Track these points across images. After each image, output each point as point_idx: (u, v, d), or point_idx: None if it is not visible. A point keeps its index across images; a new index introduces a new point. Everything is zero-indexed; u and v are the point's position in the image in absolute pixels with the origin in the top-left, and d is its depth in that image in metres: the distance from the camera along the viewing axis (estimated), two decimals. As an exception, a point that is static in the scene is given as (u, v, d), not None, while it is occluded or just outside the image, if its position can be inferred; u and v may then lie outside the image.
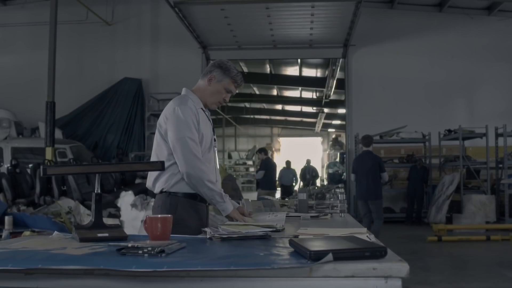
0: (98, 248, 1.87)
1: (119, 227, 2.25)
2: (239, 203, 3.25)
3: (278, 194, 14.14)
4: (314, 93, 25.28)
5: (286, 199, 4.90)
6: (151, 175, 2.96)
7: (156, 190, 2.94)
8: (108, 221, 5.87)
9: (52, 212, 7.50)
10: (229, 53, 15.98)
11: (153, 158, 2.95)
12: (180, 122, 2.84)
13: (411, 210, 12.72)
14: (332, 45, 14.96)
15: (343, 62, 15.71)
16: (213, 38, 14.69)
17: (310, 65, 20.54)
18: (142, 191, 9.63)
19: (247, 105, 29.88)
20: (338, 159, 23.29)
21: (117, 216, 7.45)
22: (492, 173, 12.45)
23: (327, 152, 32.81)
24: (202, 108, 3.01)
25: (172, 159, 2.86)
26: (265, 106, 31.06)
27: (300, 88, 24.80)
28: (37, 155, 12.35)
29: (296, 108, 30.35)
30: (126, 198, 7.34)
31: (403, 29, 14.95)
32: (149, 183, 3.00)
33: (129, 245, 1.77)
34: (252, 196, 12.83)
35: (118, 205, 7.50)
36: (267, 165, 11.88)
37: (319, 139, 37.26)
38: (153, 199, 7.65)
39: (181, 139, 2.82)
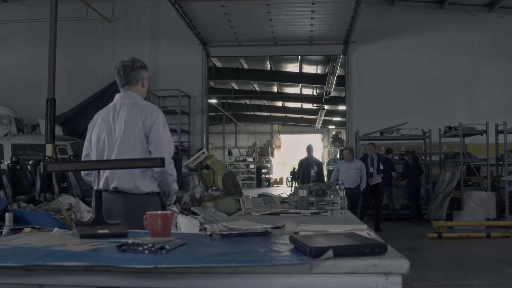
0: (98, 245, 1.87)
1: (119, 224, 2.26)
2: (239, 200, 3.32)
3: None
4: (315, 90, 25.29)
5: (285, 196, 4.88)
6: (130, 176, 3.07)
7: (143, 191, 3.09)
8: (108, 217, 5.86)
9: (52, 209, 7.49)
10: (229, 50, 15.99)
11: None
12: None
13: (414, 207, 12.61)
14: (332, 42, 14.95)
15: (343, 59, 15.69)
16: (213, 35, 14.68)
17: (311, 62, 20.54)
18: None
19: (248, 102, 29.89)
20: (338, 156, 23.30)
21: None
22: (492, 170, 12.45)
23: (327, 149, 32.84)
24: None
25: None
26: (265, 103, 31.07)
27: (300, 85, 24.80)
28: (37, 152, 12.35)
29: (297, 105, 30.35)
30: (126, 195, 7.32)
31: (404, 26, 14.94)
32: (128, 184, 3.07)
33: (130, 241, 1.77)
34: (253, 192, 12.78)
35: (119, 201, 7.49)
36: None
37: (319, 136, 37.30)
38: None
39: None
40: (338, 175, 10.14)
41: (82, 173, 3.30)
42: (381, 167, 11.45)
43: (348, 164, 10.29)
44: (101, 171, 3.07)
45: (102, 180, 3.09)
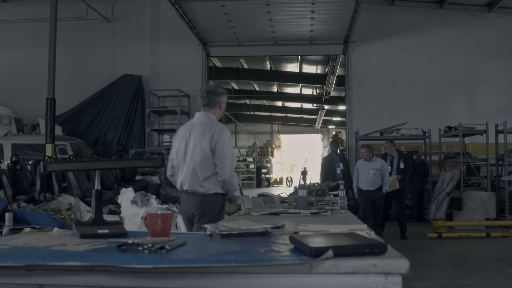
0: (98, 245, 1.87)
1: (119, 223, 2.26)
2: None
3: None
4: (314, 90, 25.30)
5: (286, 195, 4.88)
6: (196, 181, 3.79)
7: (209, 192, 3.79)
8: (108, 217, 5.88)
9: (52, 209, 7.51)
10: (229, 50, 15.98)
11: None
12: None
13: (416, 208, 12.58)
14: (332, 42, 14.95)
15: (343, 59, 15.69)
16: (213, 35, 14.68)
17: (310, 62, 20.53)
18: (142, 187, 9.62)
19: (247, 101, 29.88)
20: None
21: (117, 212, 7.46)
22: (492, 170, 12.44)
23: (327, 148, 32.80)
24: None
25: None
26: (265, 102, 31.05)
27: (300, 85, 24.79)
28: (37, 152, 12.35)
29: (296, 104, 30.34)
30: (126, 195, 7.35)
31: (404, 26, 14.93)
32: (195, 187, 3.79)
33: (130, 241, 1.77)
34: (253, 192, 12.71)
35: (119, 201, 7.51)
36: None
37: (319, 135, 37.29)
38: (153, 196, 7.66)
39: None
40: (359, 176, 9.21)
41: (168, 173, 4.05)
42: (401, 166, 10.24)
43: (366, 164, 9.13)
44: (177, 177, 3.90)
45: (178, 183, 3.91)
